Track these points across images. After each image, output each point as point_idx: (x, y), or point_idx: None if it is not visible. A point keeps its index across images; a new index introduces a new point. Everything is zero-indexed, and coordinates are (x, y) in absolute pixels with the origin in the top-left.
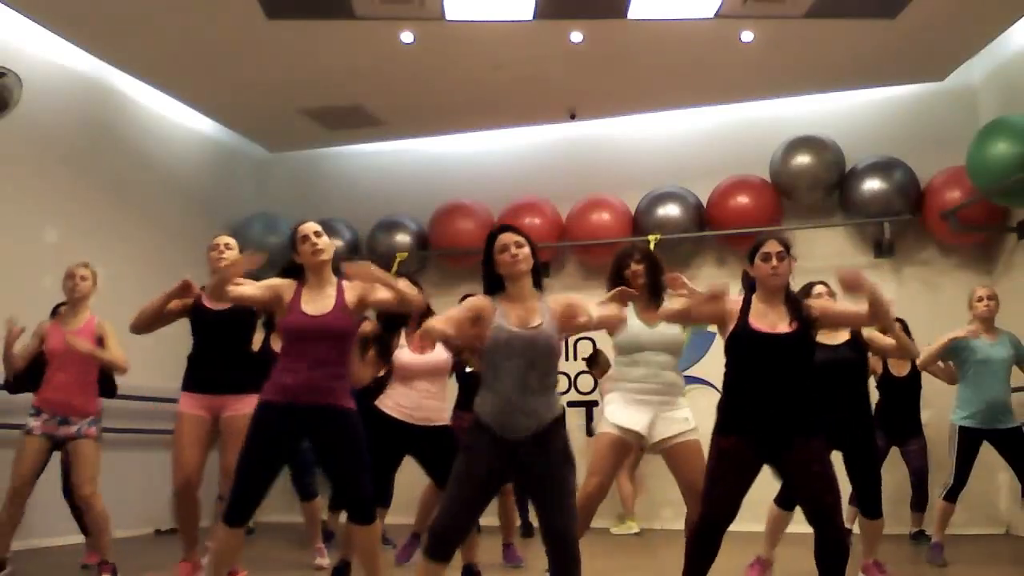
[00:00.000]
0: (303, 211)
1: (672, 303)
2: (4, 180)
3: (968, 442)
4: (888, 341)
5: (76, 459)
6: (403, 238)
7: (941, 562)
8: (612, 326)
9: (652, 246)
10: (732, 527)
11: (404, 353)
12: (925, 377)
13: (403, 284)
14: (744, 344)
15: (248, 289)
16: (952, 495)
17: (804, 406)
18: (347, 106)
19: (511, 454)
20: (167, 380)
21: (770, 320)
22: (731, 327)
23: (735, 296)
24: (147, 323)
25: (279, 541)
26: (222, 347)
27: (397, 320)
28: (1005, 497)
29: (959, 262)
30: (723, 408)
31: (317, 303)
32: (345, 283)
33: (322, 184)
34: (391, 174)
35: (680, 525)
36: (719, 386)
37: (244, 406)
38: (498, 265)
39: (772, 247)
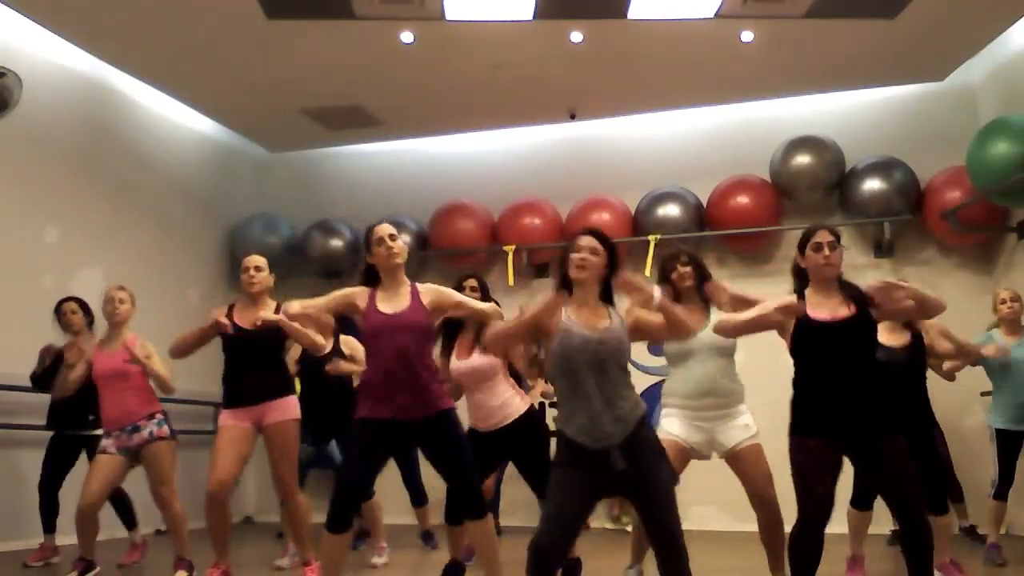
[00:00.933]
0: (303, 211)
1: (738, 314)
2: (4, 180)
3: (1006, 444)
4: (947, 346)
5: (151, 462)
6: (403, 238)
7: (1001, 561)
8: (681, 333)
9: (652, 246)
10: (738, 527)
11: (452, 359)
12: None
13: (487, 307)
14: (808, 337)
15: (321, 309)
16: (1001, 494)
17: (876, 393)
18: (347, 106)
19: (605, 463)
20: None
21: (828, 308)
22: (791, 328)
23: (788, 298)
24: (184, 353)
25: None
26: (255, 359)
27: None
28: None
29: (959, 262)
30: (800, 407)
31: (393, 302)
32: (419, 286)
33: (322, 184)
34: (391, 174)
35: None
36: None
37: (284, 411)
38: (567, 265)
39: (823, 236)
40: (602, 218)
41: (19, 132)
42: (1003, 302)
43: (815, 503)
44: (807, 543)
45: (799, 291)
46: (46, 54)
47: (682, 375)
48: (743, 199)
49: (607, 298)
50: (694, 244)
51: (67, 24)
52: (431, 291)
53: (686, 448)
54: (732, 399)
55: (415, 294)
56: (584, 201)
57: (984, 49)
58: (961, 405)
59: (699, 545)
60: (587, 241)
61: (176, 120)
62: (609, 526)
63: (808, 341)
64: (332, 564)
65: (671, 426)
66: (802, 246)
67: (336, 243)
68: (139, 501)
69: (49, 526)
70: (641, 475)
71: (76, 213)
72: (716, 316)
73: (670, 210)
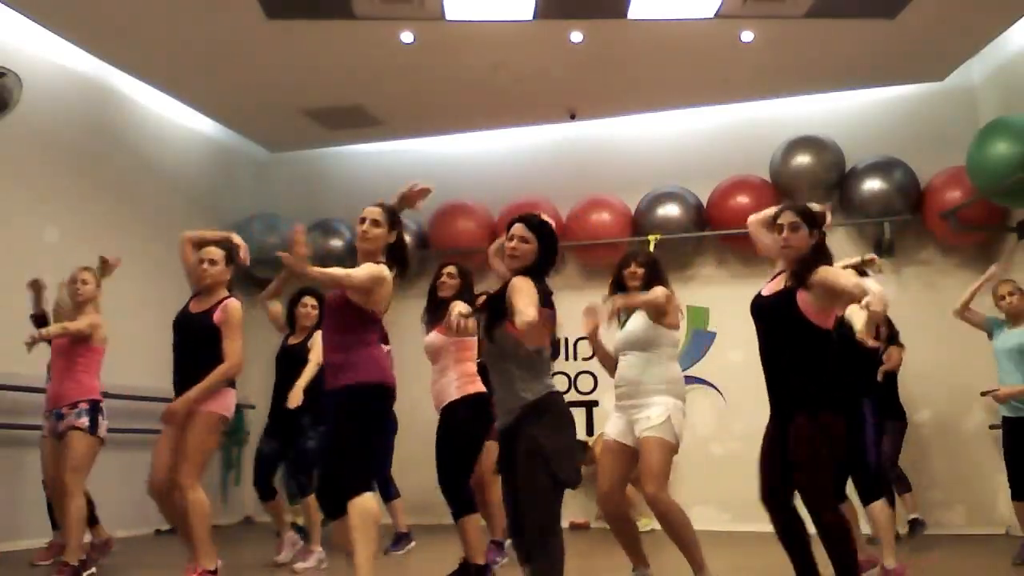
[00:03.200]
0: (303, 211)
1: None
2: (4, 180)
3: (1012, 433)
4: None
5: (64, 448)
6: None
7: (1021, 561)
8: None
9: (652, 246)
10: (738, 527)
11: (432, 335)
12: (920, 379)
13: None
14: (752, 310)
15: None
16: (1022, 494)
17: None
18: (347, 106)
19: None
20: (169, 381)
21: (773, 285)
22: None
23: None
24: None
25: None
26: (190, 352)
27: (436, 299)
28: (1005, 497)
29: (959, 262)
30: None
31: None
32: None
33: (322, 184)
34: (391, 174)
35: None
36: (719, 386)
37: (213, 403)
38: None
39: (786, 218)
40: (602, 218)
41: (19, 132)
42: (1002, 298)
43: (762, 476)
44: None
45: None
46: (46, 54)
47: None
48: (743, 199)
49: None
50: (694, 244)
51: (67, 24)
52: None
53: (618, 444)
54: (640, 389)
55: None
56: (584, 201)
57: (984, 49)
58: (961, 405)
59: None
60: (517, 229)
61: (176, 120)
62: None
63: (752, 314)
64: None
65: (609, 424)
66: (769, 225)
67: (336, 243)
68: (134, 501)
69: (56, 524)
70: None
71: (76, 213)
72: (636, 315)
73: (670, 210)
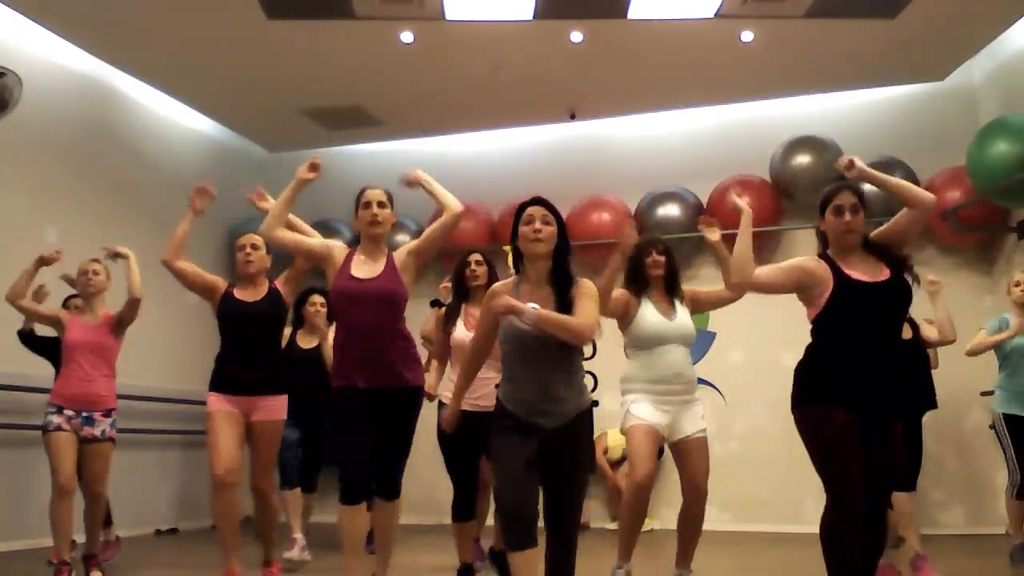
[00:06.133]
0: (303, 211)
1: (764, 267)
2: (4, 180)
3: (1016, 429)
4: (931, 332)
5: (96, 459)
6: (403, 238)
7: None
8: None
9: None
10: (738, 527)
11: (461, 331)
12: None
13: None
14: (848, 299)
15: (307, 239)
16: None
17: (899, 367)
18: (347, 106)
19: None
20: (169, 381)
21: (864, 270)
22: (827, 289)
23: (811, 260)
24: (180, 248)
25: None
26: (252, 344)
27: (467, 291)
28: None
29: (959, 262)
30: (820, 375)
31: (367, 268)
32: (395, 252)
33: (322, 184)
34: (391, 174)
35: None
36: (719, 386)
37: (274, 411)
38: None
39: (845, 199)
40: (602, 218)
41: (19, 132)
42: (1016, 284)
43: (851, 481)
44: (848, 530)
45: (823, 255)
46: (46, 54)
47: (651, 361)
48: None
49: (558, 278)
50: (694, 244)
51: (67, 24)
52: (402, 252)
53: (659, 432)
54: (693, 386)
55: (390, 261)
56: (584, 201)
57: (984, 49)
58: (961, 405)
59: (699, 545)
60: (536, 211)
61: (176, 120)
62: (609, 526)
63: (848, 303)
64: (354, 538)
65: (641, 411)
66: (823, 208)
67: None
68: (134, 501)
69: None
70: (562, 466)
71: (76, 213)
72: (681, 308)
73: (670, 210)
